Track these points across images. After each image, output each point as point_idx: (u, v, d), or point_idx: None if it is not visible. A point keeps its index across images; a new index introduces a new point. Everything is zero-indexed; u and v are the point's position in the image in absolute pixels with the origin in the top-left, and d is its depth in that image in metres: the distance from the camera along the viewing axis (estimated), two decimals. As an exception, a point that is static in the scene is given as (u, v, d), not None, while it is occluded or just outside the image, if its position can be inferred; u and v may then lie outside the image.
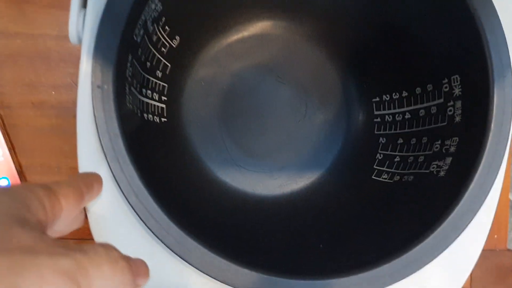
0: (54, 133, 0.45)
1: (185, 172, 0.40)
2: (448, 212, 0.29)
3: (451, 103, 0.33)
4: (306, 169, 0.43)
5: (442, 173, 0.32)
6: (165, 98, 0.40)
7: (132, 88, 0.33)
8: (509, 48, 0.30)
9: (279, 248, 0.36)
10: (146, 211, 0.27)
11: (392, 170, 0.38)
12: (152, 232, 0.27)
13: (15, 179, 0.44)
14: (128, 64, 0.31)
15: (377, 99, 0.41)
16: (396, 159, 0.38)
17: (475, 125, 0.31)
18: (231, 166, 0.42)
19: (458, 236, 0.29)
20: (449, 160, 0.32)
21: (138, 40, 0.32)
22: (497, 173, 0.29)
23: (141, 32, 0.32)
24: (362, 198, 0.40)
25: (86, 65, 0.28)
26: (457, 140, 0.32)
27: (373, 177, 0.40)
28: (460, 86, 0.33)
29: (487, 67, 0.30)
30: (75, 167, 0.29)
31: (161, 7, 0.33)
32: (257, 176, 0.42)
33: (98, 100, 0.28)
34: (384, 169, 0.39)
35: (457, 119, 0.33)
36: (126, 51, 0.30)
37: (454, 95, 0.33)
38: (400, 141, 0.39)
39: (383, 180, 0.39)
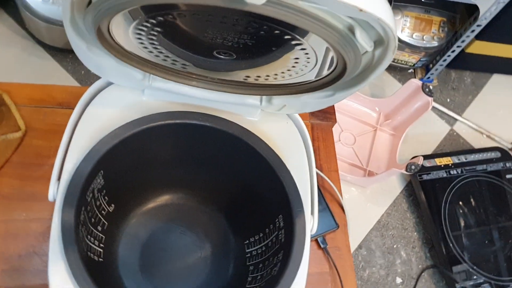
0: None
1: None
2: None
3: (280, 232, 0.55)
4: (201, 293, 0.61)
5: (275, 273, 0.52)
6: (103, 245, 0.59)
7: (82, 230, 0.53)
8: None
9: None
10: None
11: (256, 284, 0.57)
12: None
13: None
14: (81, 212, 0.51)
15: (247, 241, 0.63)
16: (258, 277, 0.58)
17: (288, 241, 0.52)
18: (147, 294, 0.60)
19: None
20: (278, 264, 0.53)
21: (88, 200, 0.53)
22: (300, 265, 0.50)
23: (91, 195, 0.54)
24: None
25: (58, 212, 0.49)
26: (283, 253, 0.53)
27: (245, 293, 0.58)
28: (283, 221, 0.55)
29: (291, 208, 0.53)
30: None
31: (103, 182, 0.56)
32: (166, 301, 0.60)
33: (65, 228, 0.47)
34: (252, 286, 0.58)
35: (283, 240, 0.54)
36: (81, 204, 0.51)
37: (281, 226, 0.55)
38: (261, 265, 0.59)
39: (251, 293, 0.57)
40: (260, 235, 0.60)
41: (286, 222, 0.54)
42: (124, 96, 0.56)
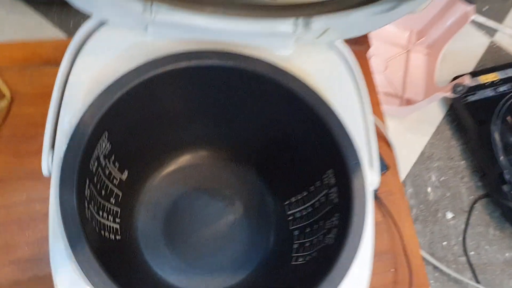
0: (32, 284, 0.51)
1: (140, 280, 0.49)
2: (332, 266, 0.39)
3: (331, 190, 0.45)
4: (240, 265, 0.52)
5: (331, 241, 0.42)
6: (119, 220, 0.50)
7: (90, 207, 0.43)
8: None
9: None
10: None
11: (305, 253, 0.48)
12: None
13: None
14: (86, 186, 0.41)
15: (288, 201, 0.52)
16: (306, 244, 0.48)
17: (346, 201, 0.42)
18: (177, 271, 0.51)
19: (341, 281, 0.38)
20: (335, 231, 0.43)
21: (93, 170, 0.43)
22: (362, 232, 0.40)
23: (96, 164, 0.43)
24: (286, 282, 0.48)
25: (55, 189, 0.39)
26: (338, 216, 0.43)
27: (292, 263, 0.49)
28: (334, 177, 0.44)
29: (345, 161, 0.42)
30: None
31: (110, 147, 0.45)
32: (200, 277, 0.51)
33: (65, 209, 0.38)
34: (300, 254, 0.49)
35: (336, 200, 0.44)
36: (84, 176, 0.41)
37: (332, 184, 0.45)
38: (308, 229, 0.49)
39: (300, 263, 0.48)
40: (304, 194, 0.50)
41: (339, 178, 0.44)
42: (123, 38, 0.45)
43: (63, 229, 0.37)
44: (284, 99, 0.45)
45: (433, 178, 1.14)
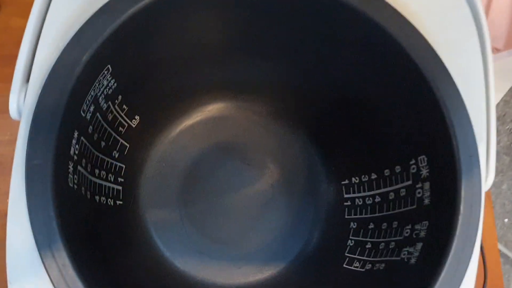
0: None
1: (141, 263, 0.37)
2: (420, 306, 0.26)
3: (420, 185, 0.31)
4: (272, 256, 0.40)
5: (413, 261, 0.30)
6: (122, 180, 0.37)
7: (80, 168, 0.30)
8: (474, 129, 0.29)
9: None
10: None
11: (364, 257, 0.35)
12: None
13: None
14: (74, 141, 0.29)
15: (347, 181, 0.39)
16: (367, 246, 0.36)
17: (444, 208, 0.29)
18: (191, 253, 0.39)
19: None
20: (419, 245, 0.30)
21: (88, 116, 0.30)
22: (470, 259, 0.27)
23: (91, 108, 0.30)
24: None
25: (23, 143, 0.26)
26: (427, 224, 0.30)
27: (344, 265, 0.37)
28: (427, 167, 0.31)
29: (453, 148, 0.28)
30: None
31: (115, 85, 0.32)
32: (219, 264, 0.39)
33: (33, 180, 0.25)
34: (356, 256, 0.36)
35: (426, 201, 0.31)
36: (70, 127, 0.28)
37: (422, 176, 0.31)
38: (371, 226, 0.36)
39: (355, 268, 0.36)
40: (373, 177, 0.37)
41: (438, 172, 0.30)
42: None
43: (27, 212, 0.24)
44: (373, 43, 0.31)
45: (503, 143, 0.99)
